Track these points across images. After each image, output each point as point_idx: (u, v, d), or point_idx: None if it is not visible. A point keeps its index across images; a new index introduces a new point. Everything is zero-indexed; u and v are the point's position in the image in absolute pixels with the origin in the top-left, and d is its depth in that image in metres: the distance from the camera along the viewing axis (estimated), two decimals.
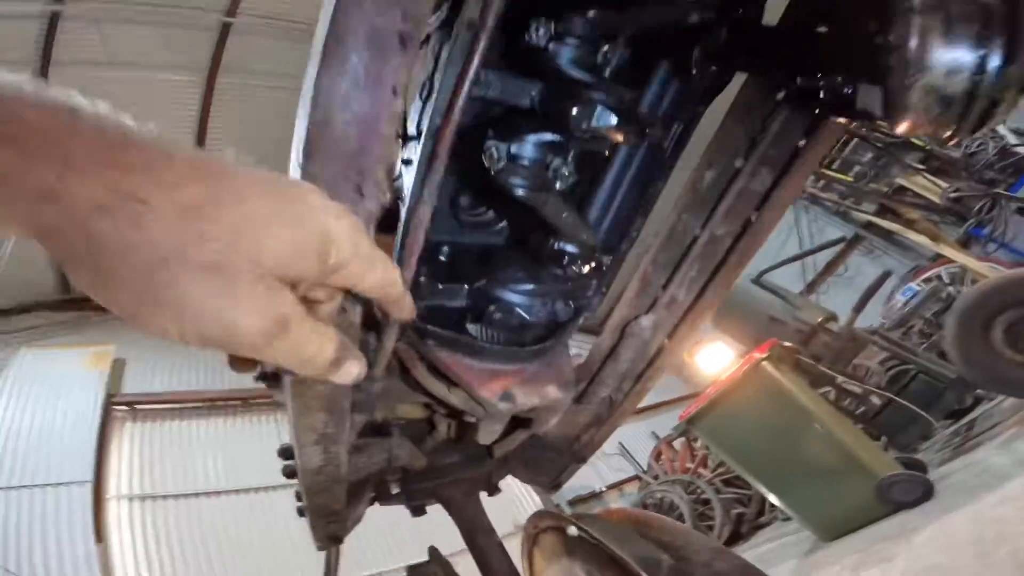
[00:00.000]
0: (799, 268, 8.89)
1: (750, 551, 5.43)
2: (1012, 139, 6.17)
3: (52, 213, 0.31)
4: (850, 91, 0.62)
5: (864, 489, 3.40)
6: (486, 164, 0.71)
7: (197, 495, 7.43)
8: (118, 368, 8.06)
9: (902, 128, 0.50)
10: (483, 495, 1.42)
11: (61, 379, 7.41)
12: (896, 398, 4.12)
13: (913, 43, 0.46)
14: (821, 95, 0.70)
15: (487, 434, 0.94)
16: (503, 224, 0.92)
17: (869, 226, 8.45)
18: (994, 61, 0.44)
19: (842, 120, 0.79)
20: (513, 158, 0.72)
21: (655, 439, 9.10)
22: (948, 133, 0.48)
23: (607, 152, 0.85)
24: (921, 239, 6.23)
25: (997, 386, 3.71)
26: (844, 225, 9.00)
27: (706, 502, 6.39)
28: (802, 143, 0.86)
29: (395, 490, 1.35)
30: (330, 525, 1.13)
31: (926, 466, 3.81)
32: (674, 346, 1.02)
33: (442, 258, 0.87)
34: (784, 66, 0.75)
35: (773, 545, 4.97)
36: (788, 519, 4.65)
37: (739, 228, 0.91)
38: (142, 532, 6.80)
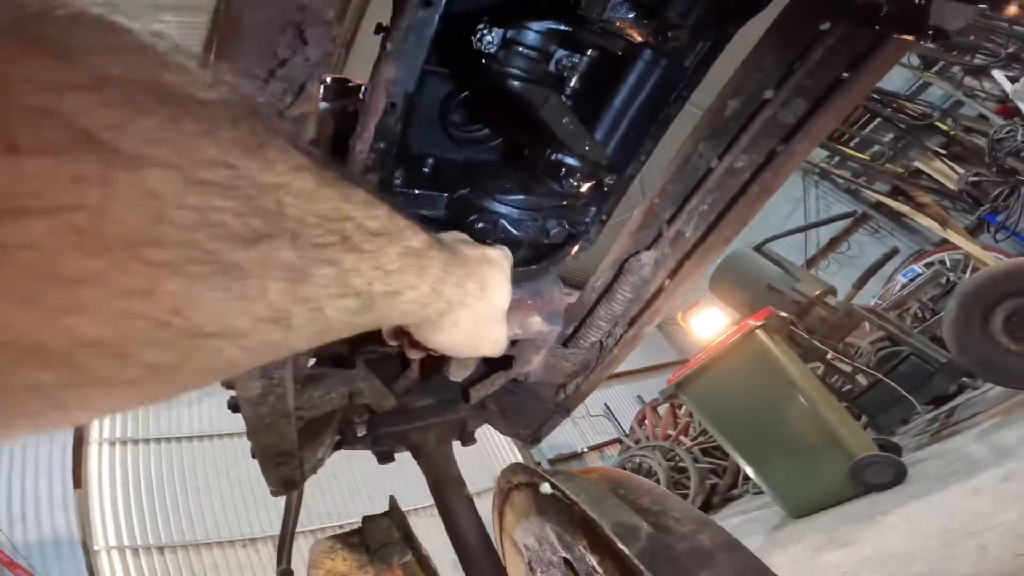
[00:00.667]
0: (801, 242, 8.79)
1: (720, 522, 5.53)
2: None
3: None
4: (923, 2, 0.55)
5: (839, 468, 3.41)
6: (476, 47, 0.60)
7: (179, 439, 7.42)
8: None
9: (1012, 8, 0.39)
10: (458, 446, 1.34)
11: None
12: (884, 378, 4.10)
13: None
14: (884, 9, 0.60)
15: (459, 369, 0.86)
16: (498, 141, 0.81)
17: (878, 206, 8.32)
18: None
19: (908, 38, 0.68)
20: (508, 44, 0.61)
21: (641, 403, 9.22)
22: None
23: (622, 59, 0.74)
24: (930, 223, 6.13)
25: (989, 374, 3.68)
26: (853, 203, 8.83)
27: (683, 470, 6.50)
28: (845, 74, 0.75)
29: (362, 432, 1.25)
30: (281, 468, 1.01)
31: (901, 449, 3.82)
32: (675, 287, 0.92)
33: (425, 169, 0.76)
34: None
35: (742, 518, 5.06)
36: (759, 493, 4.71)
37: (763, 159, 0.80)
38: (122, 478, 6.80)
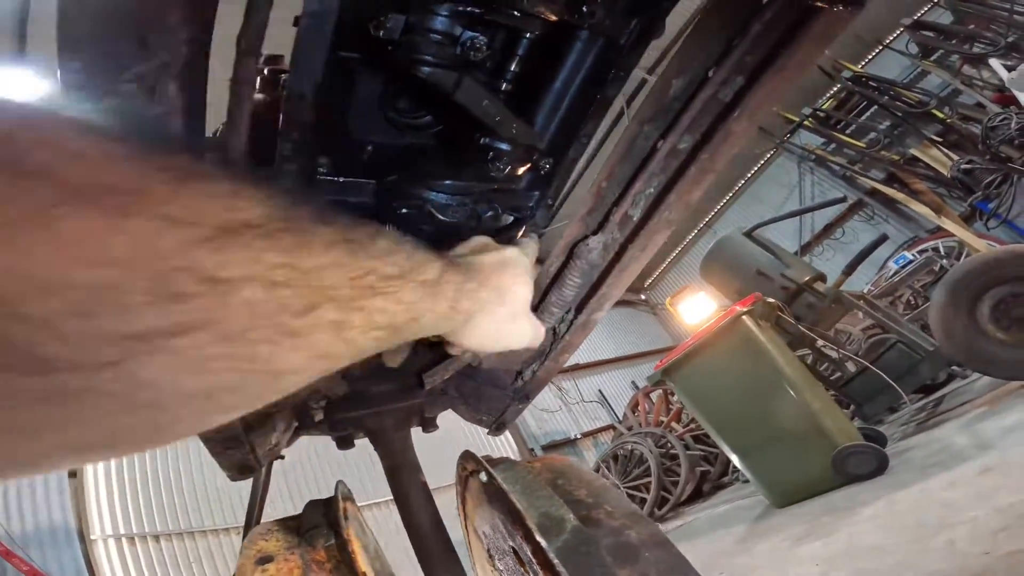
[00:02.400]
0: (796, 228, 8.78)
1: (707, 511, 5.58)
2: None
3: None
4: None
5: (823, 457, 3.42)
6: (374, 33, 0.58)
7: None
8: None
9: None
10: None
11: None
12: (870, 366, 4.10)
13: None
14: None
15: (392, 355, 0.85)
16: (440, 128, 0.79)
17: (873, 193, 8.30)
18: None
19: (827, 8, 0.66)
20: (412, 30, 0.59)
21: (635, 389, 9.26)
22: None
23: (552, 42, 0.72)
24: (924, 210, 6.10)
25: (974, 362, 3.68)
26: (848, 189, 8.82)
27: (674, 457, 6.54)
28: (782, 49, 0.73)
29: (319, 417, 1.24)
30: (230, 452, 1.01)
31: (886, 439, 3.83)
32: (621, 271, 0.91)
33: (364, 156, 0.75)
34: None
35: (729, 507, 5.09)
36: (747, 482, 4.74)
37: (700, 139, 0.79)
38: (117, 465, 6.79)
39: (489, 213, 0.75)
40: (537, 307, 1.05)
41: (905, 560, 2.00)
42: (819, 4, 0.60)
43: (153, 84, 0.42)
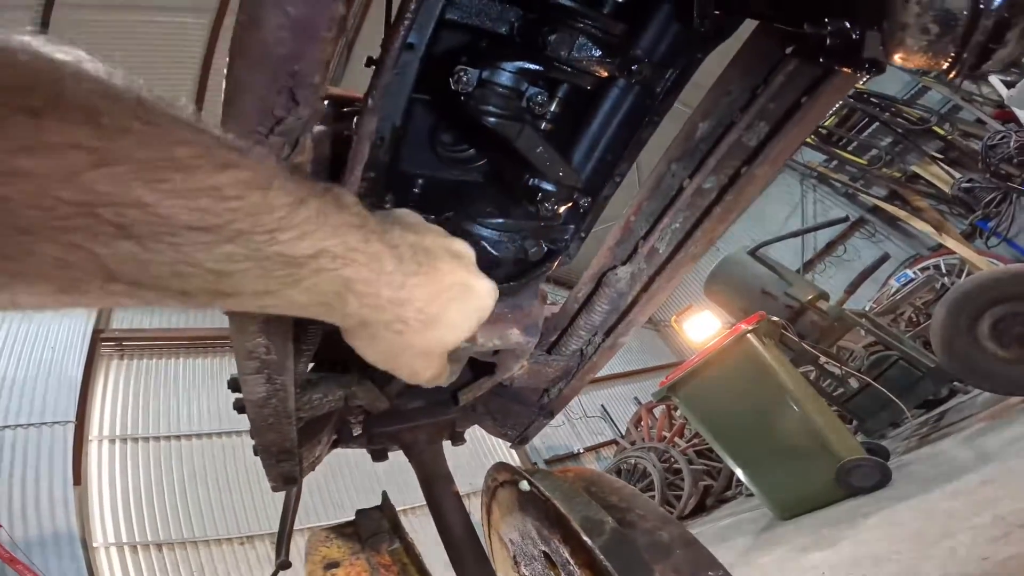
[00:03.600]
0: (799, 246, 8.85)
1: (711, 524, 5.61)
2: None
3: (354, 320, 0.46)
4: (858, 37, 0.57)
5: (826, 471, 3.47)
6: (454, 87, 0.66)
7: (179, 437, 7.45)
8: None
9: (898, 55, 0.43)
10: (451, 445, 1.41)
11: (50, 314, 7.35)
12: (872, 382, 4.16)
13: None
14: (828, 43, 0.65)
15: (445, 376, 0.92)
16: (483, 162, 0.87)
17: (875, 210, 8.37)
18: None
19: (848, 71, 0.73)
20: (484, 83, 0.67)
21: (637, 404, 9.27)
22: (947, 64, 0.42)
23: (594, 89, 0.79)
24: (926, 228, 6.17)
25: (974, 378, 3.74)
26: (850, 207, 8.90)
27: (677, 471, 6.57)
28: (804, 99, 0.80)
29: (357, 432, 1.32)
30: (282, 464, 1.09)
31: (889, 453, 3.88)
32: (648, 300, 0.98)
33: (415, 190, 0.82)
34: (792, 10, 0.68)
35: (732, 520, 5.12)
36: (751, 495, 4.77)
37: (727, 181, 0.86)
38: (121, 476, 6.84)
39: (534, 248, 0.82)
40: (566, 330, 1.12)
41: (907, 567, 2.05)
42: (844, 70, 0.67)
43: (298, 137, 0.50)
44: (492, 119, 0.67)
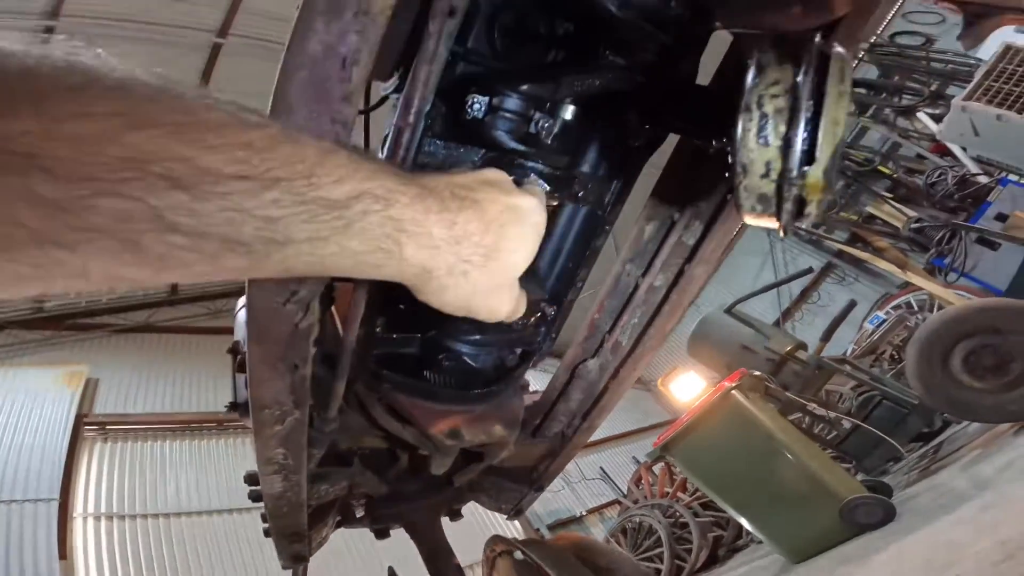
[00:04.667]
0: (775, 296, 9.10)
1: (728, 574, 5.46)
2: (972, 168, 6.39)
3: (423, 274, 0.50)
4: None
5: (830, 512, 3.48)
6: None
7: (167, 515, 7.31)
8: (91, 388, 7.97)
9: (744, 219, 0.58)
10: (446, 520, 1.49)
11: (33, 397, 7.35)
12: (861, 423, 4.23)
13: (735, 144, 0.53)
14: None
15: (439, 466, 1.01)
16: None
17: (840, 255, 8.69)
18: (795, 164, 0.50)
19: None
20: None
21: (636, 463, 9.14)
22: (776, 223, 0.55)
23: (549, 215, 0.93)
24: (890, 267, 6.44)
25: (957, 411, 3.84)
26: (817, 253, 9.25)
27: (684, 525, 6.42)
28: (729, 196, 0.92)
29: (360, 513, 1.40)
30: (294, 545, 1.19)
31: (891, 489, 3.90)
32: (617, 387, 1.09)
33: (401, 306, 0.93)
34: (710, 125, 0.77)
35: (747, 568, 5.00)
36: (763, 542, 4.70)
37: (672, 279, 1.00)
38: (108, 551, 6.68)
39: (510, 356, 0.93)
40: (546, 415, 1.22)
41: None
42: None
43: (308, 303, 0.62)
44: None
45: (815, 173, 0.49)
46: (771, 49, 0.51)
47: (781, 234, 0.57)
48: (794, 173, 0.49)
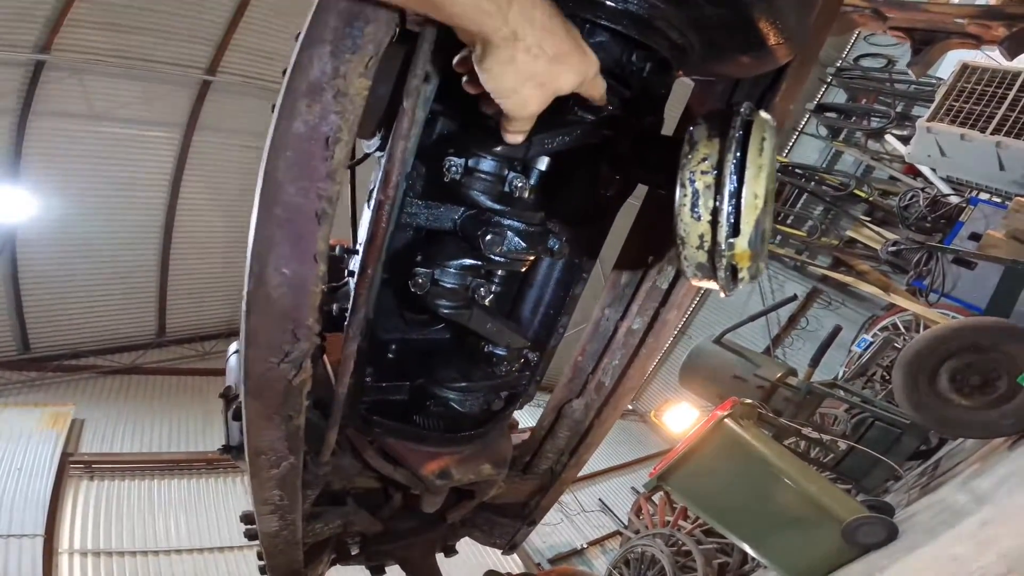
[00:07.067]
0: (764, 324, 9.16)
1: None
2: (943, 188, 6.54)
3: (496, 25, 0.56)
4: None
5: (832, 533, 3.47)
6: (412, 289, 0.81)
7: (156, 552, 7.16)
8: (76, 428, 7.89)
9: (691, 282, 0.63)
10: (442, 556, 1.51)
11: (18, 438, 7.30)
12: (856, 445, 4.25)
13: (674, 216, 0.58)
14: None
15: (430, 504, 1.05)
16: (443, 325, 1.03)
17: (824, 279, 8.79)
18: (723, 237, 0.55)
19: None
20: (436, 282, 0.83)
21: (635, 494, 9.03)
22: (716, 286, 0.61)
23: (528, 266, 0.98)
24: (873, 290, 6.54)
25: (949, 429, 3.89)
26: (802, 279, 9.36)
27: (688, 554, 6.31)
28: None
29: (355, 551, 1.41)
30: None
31: (893, 508, 3.89)
32: (601, 424, 1.14)
33: (390, 355, 0.97)
34: (673, 176, 0.85)
35: None
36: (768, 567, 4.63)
37: (648, 322, 1.06)
38: None
39: (495, 400, 0.98)
40: (536, 453, 1.26)
41: None
42: None
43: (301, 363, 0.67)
44: (446, 310, 0.85)
45: (740, 244, 0.54)
46: (703, 122, 0.57)
47: (722, 294, 0.63)
48: (723, 246, 0.55)
